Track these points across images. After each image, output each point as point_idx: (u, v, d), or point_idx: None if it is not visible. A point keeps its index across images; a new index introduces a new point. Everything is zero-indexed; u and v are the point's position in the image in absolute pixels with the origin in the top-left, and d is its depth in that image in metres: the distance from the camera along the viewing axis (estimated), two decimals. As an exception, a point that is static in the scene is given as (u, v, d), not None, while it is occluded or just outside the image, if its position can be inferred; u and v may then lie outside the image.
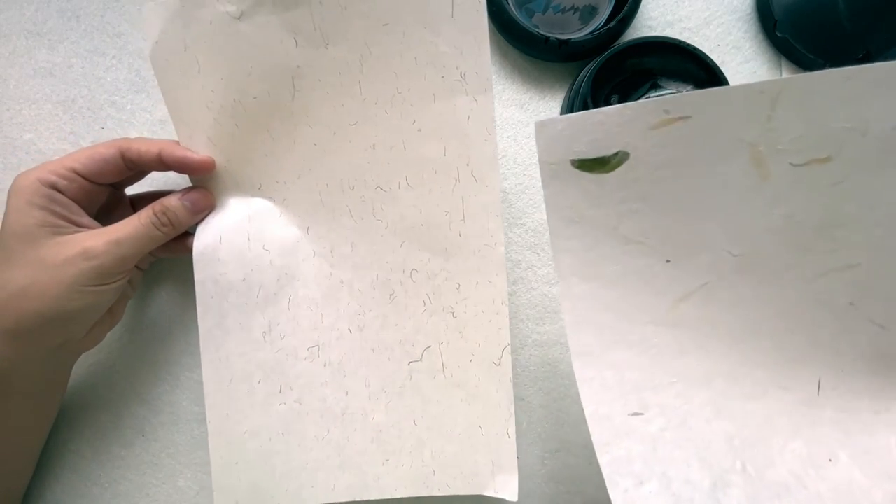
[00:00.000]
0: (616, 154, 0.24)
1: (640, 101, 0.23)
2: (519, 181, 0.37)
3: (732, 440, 0.26)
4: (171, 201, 0.30)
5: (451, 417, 0.32)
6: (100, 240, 0.28)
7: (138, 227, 0.29)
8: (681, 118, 0.23)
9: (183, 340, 0.36)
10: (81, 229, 0.29)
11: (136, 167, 0.31)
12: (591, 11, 0.36)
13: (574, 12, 0.36)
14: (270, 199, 0.32)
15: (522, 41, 0.35)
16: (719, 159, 0.24)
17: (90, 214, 0.31)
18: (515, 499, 0.32)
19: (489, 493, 0.32)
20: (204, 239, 0.32)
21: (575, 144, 0.24)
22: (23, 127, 0.36)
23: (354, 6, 0.28)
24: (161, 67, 0.29)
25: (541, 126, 0.24)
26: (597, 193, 0.25)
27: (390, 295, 0.32)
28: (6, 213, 0.28)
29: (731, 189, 0.24)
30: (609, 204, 0.25)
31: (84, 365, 0.35)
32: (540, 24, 0.36)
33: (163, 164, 0.30)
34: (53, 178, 0.28)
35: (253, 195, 0.32)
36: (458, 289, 0.32)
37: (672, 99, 0.23)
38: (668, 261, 0.26)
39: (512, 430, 0.32)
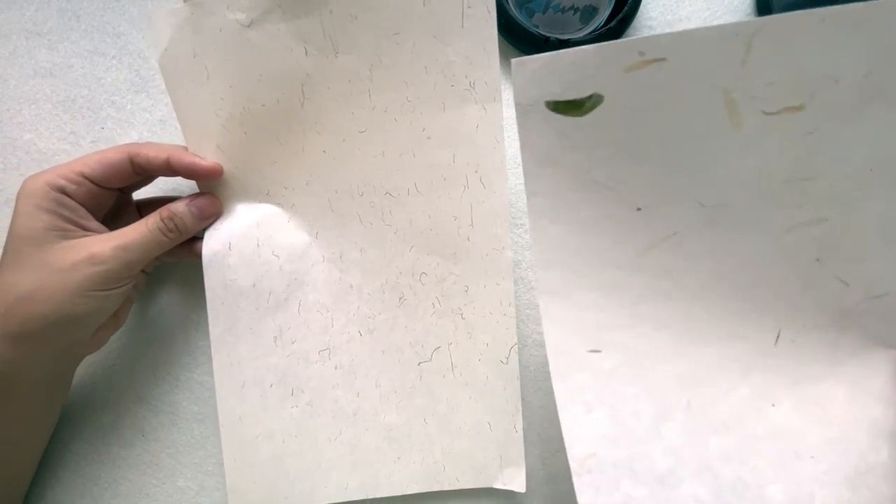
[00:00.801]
0: (590, 97, 0.24)
1: (616, 41, 0.23)
2: (519, 181, 0.37)
3: (682, 379, 0.27)
4: (178, 207, 0.31)
5: (460, 415, 0.33)
6: (107, 245, 0.28)
7: (145, 233, 0.30)
8: (655, 60, 0.22)
9: (183, 341, 0.36)
10: (89, 233, 0.29)
11: (144, 172, 0.31)
12: (591, 11, 0.36)
13: (574, 12, 0.36)
14: (279, 205, 0.32)
15: (522, 41, 0.35)
16: (693, 106, 0.23)
17: (97, 219, 0.31)
18: (524, 490, 0.33)
19: (498, 485, 0.34)
20: (213, 245, 0.32)
21: (550, 86, 0.24)
22: (23, 127, 0.36)
23: (365, 16, 0.29)
24: (170, 74, 0.30)
25: (518, 65, 0.23)
26: (571, 137, 0.24)
27: (400, 298, 0.33)
28: (14, 216, 0.28)
29: (704, 138, 0.24)
30: (583, 148, 0.25)
31: (84, 365, 0.35)
32: (540, 24, 0.36)
33: (171, 170, 0.30)
34: (62, 181, 0.28)
35: (261, 201, 0.32)
36: (466, 291, 0.33)
37: (646, 39, 0.22)
38: (638, 209, 0.26)
39: (519, 425, 0.33)
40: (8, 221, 0.35)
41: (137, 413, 0.36)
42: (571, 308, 0.27)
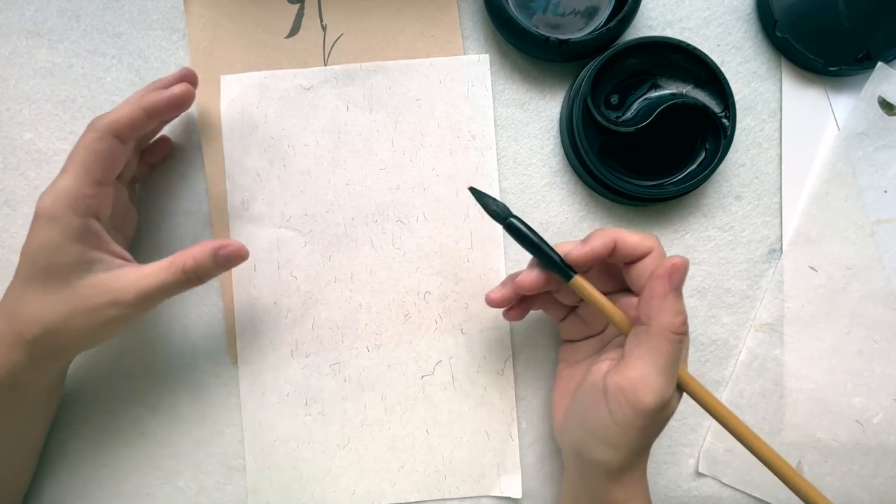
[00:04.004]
0: None
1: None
2: (519, 181, 0.37)
3: None
4: (203, 258, 0.29)
5: (459, 425, 0.36)
6: (130, 290, 0.28)
7: (167, 281, 0.29)
8: None
9: (183, 341, 0.36)
10: (114, 262, 0.29)
11: (136, 135, 0.31)
12: (591, 11, 0.36)
13: (574, 12, 0.36)
14: (297, 230, 0.36)
15: (522, 41, 0.35)
16: None
17: (117, 175, 0.31)
18: (520, 496, 0.36)
19: (496, 492, 0.36)
20: (241, 268, 0.36)
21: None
22: (23, 127, 0.36)
23: (396, 87, 0.37)
24: (230, 118, 0.36)
25: None
26: None
27: (405, 315, 0.36)
28: (40, 243, 0.28)
29: None
30: None
31: (84, 365, 0.35)
32: (540, 24, 0.36)
33: (150, 118, 0.31)
34: (84, 203, 0.28)
35: (281, 227, 0.36)
36: (466, 308, 0.37)
37: None
38: None
39: (515, 433, 0.36)
40: (7, 222, 0.36)
41: (137, 413, 0.36)
42: None
